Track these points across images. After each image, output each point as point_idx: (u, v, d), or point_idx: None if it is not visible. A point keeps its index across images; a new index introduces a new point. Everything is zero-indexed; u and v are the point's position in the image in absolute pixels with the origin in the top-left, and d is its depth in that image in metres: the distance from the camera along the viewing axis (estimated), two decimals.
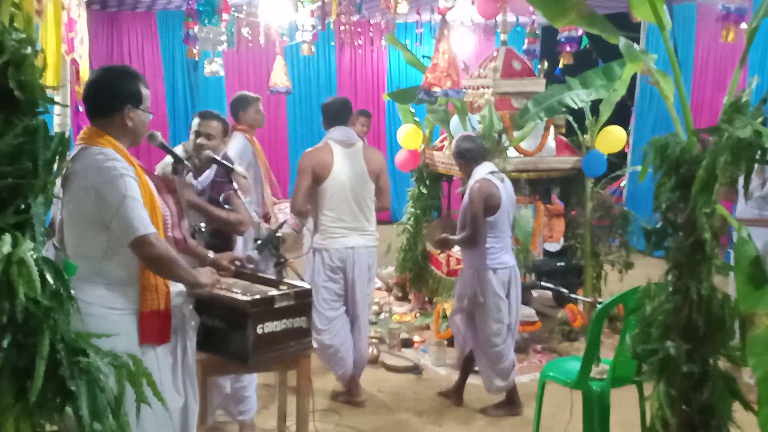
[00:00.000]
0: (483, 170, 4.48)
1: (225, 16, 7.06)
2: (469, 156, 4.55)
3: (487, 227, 4.41)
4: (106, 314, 2.60)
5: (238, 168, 4.00)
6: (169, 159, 3.55)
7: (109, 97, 2.72)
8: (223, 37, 7.27)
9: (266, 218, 5.24)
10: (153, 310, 2.69)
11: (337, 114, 4.60)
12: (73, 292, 1.90)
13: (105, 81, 2.77)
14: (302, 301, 3.13)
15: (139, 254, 2.60)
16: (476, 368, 5.24)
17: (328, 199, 4.46)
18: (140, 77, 2.80)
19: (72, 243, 2.68)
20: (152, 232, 2.59)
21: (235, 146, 5.03)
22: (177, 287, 2.81)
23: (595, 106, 5.99)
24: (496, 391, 4.64)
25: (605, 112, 6.02)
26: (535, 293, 6.74)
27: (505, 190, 4.50)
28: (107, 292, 2.64)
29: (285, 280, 3.26)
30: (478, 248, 4.44)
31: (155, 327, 2.70)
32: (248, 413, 4.12)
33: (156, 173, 3.66)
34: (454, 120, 6.05)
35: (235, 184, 3.70)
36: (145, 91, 2.78)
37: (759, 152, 2.23)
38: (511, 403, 4.67)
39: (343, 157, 4.49)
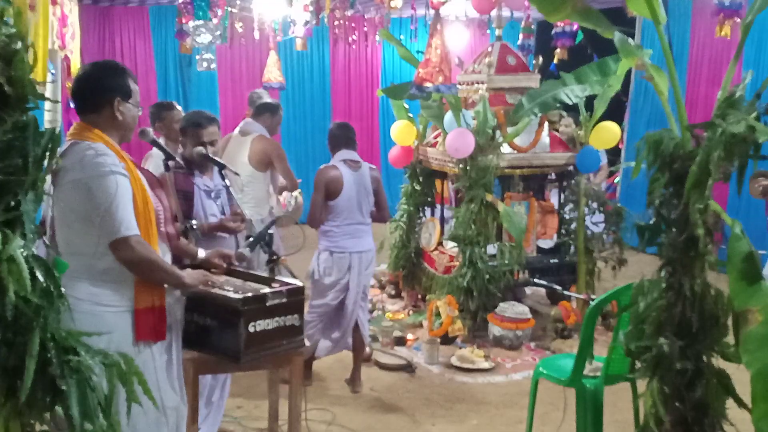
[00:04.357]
0: (338, 157, 4.74)
1: (218, 11, 7.04)
2: (330, 141, 4.84)
3: (330, 211, 4.69)
4: (99, 312, 2.58)
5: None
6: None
7: (98, 90, 2.70)
8: (218, 32, 7.24)
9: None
10: (148, 306, 2.66)
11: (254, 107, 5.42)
12: (63, 289, 1.88)
13: (92, 75, 2.76)
14: (294, 299, 3.11)
15: (118, 256, 2.58)
16: (467, 366, 5.26)
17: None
18: (128, 72, 2.78)
19: (63, 240, 2.66)
20: (134, 234, 2.57)
21: None
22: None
23: (590, 101, 5.98)
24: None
25: (600, 108, 6.01)
26: (528, 290, 6.74)
27: (357, 178, 4.72)
28: (99, 289, 2.61)
29: (277, 278, 3.25)
30: (319, 229, 4.76)
31: (150, 324, 2.67)
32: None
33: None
34: (448, 116, 6.03)
35: (227, 181, 3.68)
36: (133, 86, 2.76)
37: (753, 148, 2.23)
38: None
39: (235, 145, 5.25)
